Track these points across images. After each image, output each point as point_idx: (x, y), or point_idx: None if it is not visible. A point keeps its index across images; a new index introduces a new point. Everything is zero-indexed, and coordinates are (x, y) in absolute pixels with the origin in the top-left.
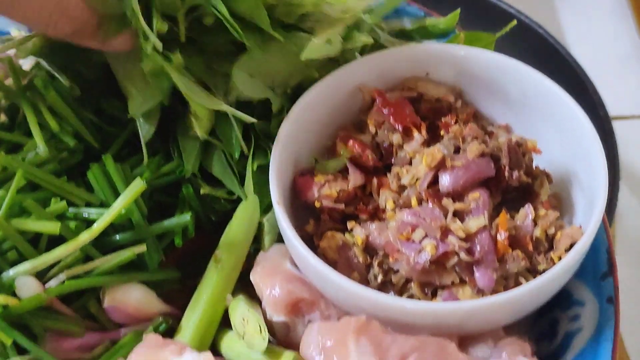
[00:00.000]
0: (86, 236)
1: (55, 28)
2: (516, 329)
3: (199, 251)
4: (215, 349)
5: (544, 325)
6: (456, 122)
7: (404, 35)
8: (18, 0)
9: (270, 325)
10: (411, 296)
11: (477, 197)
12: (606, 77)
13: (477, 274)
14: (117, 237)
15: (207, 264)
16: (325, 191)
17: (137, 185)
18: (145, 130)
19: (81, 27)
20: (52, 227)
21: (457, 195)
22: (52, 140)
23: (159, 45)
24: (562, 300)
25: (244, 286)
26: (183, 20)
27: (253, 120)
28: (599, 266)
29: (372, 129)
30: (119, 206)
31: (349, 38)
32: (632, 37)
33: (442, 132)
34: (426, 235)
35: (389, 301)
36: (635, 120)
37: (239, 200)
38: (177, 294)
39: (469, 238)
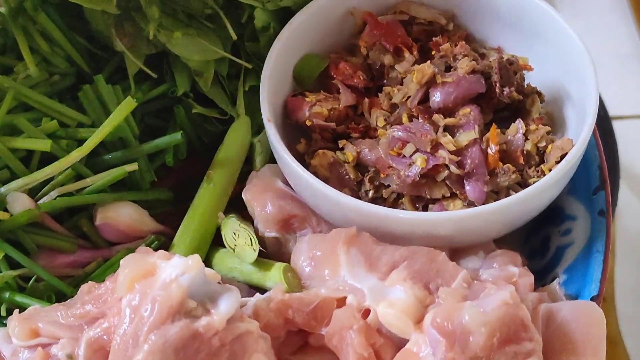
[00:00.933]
0: (77, 153)
1: None
2: (508, 246)
3: (192, 177)
4: (207, 266)
5: (536, 242)
6: (447, 42)
7: None
8: None
9: (262, 242)
10: None
11: (468, 113)
12: (606, 77)
13: (467, 187)
14: (109, 156)
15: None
16: (316, 109)
17: (128, 103)
18: None
19: None
20: (43, 144)
21: (448, 111)
22: (43, 63)
23: None
24: (554, 216)
25: (236, 209)
26: None
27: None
28: (590, 181)
29: (363, 50)
30: (110, 123)
31: None
32: (632, 37)
33: (433, 53)
34: (417, 150)
35: (382, 212)
36: (635, 120)
37: (230, 122)
38: (170, 216)
39: (459, 152)
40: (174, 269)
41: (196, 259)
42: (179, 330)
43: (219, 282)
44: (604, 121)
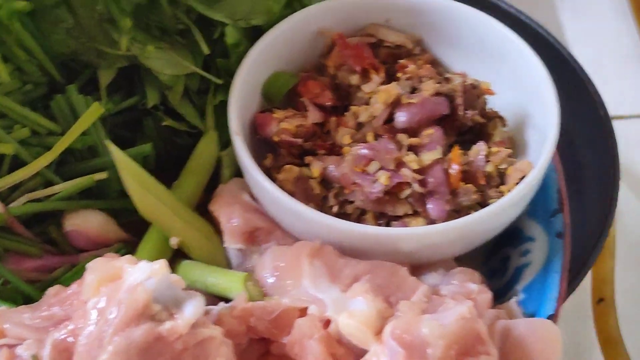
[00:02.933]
0: (46, 158)
1: None
2: (469, 266)
3: None
4: None
5: (496, 262)
6: (414, 65)
7: None
8: None
9: (227, 254)
10: None
11: (432, 133)
12: (606, 77)
13: (429, 205)
14: (78, 164)
15: None
16: (284, 125)
17: (95, 109)
18: None
19: None
20: (7, 148)
21: (412, 131)
22: (16, 72)
23: None
24: (514, 237)
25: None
26: None
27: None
28: (549, 204)
29: (331, 70)
30: (77, 128)
31: None
32: (632, 37)
33: (399, 75)
34: (381, 168)
35: (345, 226)
36: (635, 120)
37: (199, 136)
38: (135, 225)
39: (422, 170)
40: (140, 273)
41: (162, 264)
42: (143, 332)
43: (183, 289)
44: (604, 121)
